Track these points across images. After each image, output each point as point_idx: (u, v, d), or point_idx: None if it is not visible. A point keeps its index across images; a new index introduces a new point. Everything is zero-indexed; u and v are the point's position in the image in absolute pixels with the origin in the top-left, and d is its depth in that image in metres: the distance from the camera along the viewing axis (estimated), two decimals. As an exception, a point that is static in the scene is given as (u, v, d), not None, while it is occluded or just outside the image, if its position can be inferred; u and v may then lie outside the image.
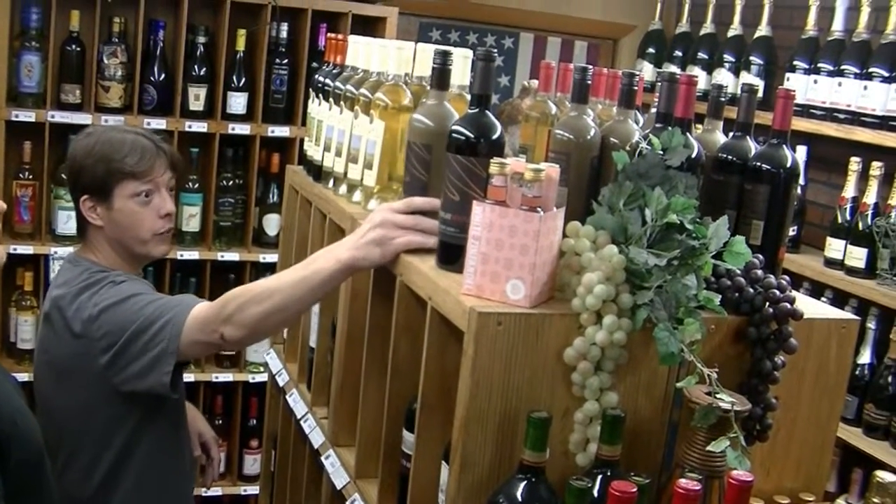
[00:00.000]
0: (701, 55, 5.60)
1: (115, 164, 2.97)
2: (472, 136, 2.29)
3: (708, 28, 5.64)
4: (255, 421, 5.43)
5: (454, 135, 2.30)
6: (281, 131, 5.12)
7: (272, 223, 5.23)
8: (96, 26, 4.84)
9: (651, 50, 6.01)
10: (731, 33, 5.40)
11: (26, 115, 4.73)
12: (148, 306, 2.81)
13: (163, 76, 5.03)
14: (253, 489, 5.33)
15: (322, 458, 2.99)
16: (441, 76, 2.51)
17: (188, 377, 4.97)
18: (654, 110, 2.52)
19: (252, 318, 2.62)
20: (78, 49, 4.90)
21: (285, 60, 5.13)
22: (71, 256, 3.11)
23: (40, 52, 4.78)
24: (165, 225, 3.06)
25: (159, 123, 4.87)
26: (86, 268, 2.99)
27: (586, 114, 2.45)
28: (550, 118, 2.67)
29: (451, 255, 2.32)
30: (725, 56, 5.37)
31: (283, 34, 5.14)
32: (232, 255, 5.17)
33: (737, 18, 5.38)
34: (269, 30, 5.06)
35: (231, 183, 5.18)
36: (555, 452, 2.11)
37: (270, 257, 5.07)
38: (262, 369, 5.12)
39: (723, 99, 2.69)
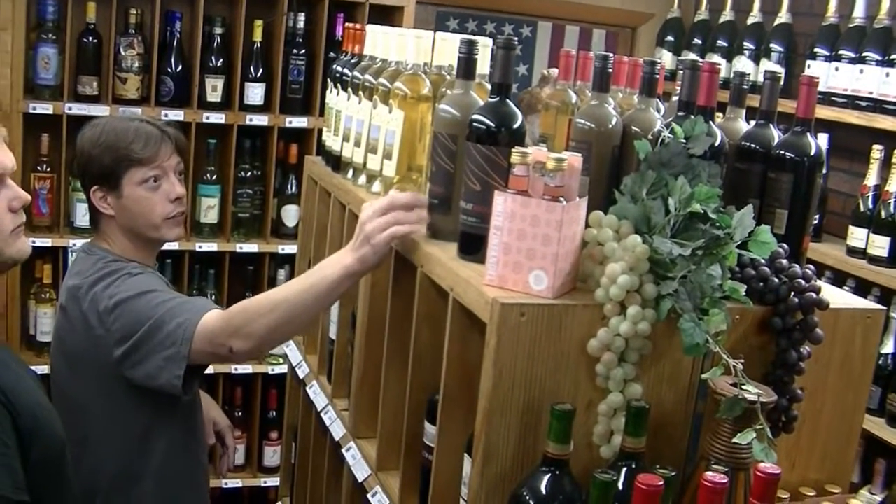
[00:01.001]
0: (720, 43, 5.55)
1: (121, 151, 2.99)
2: (492, 125, 2.27)
3: (727, 15, 5.60)
4: (274, 412, 5.42)
5: (474, 124, 2.29)
6: (299, 122, 5.11)
7: (291, 214, 5.21)
8: (113, 18, 4.83)
9: (670, 38, 5.97)
10: (750, 21, 5.35)
11: (44, 108, 4.72)
12: (161, 305, 2.80)
13: (180, 67, 5.02)
14: (273, 480, 5.33)
15: (343, 451, 2.98)
16: (467, 65, 2.48)
17: (208, 369, 4.97)
18: (675, 99, 2.49)
19: (260, 329, 2.65)
20: (95, 41, 4.89)
21: (302, 50, 5.12)
22: (85, 246, 3.12)
23: (57, 45, 4.78)
24: (177, 208, 3.06)
25: (177, 115, 4.87)
26: (100, 257, 2.99)
27: (608, 102, 2.43)
28: (570, 107, 2.64)
29: (472, 245, 2.31)
30: (745, 44, 5.32)
31: (300, 24, 5.12)
32: (250, 247, 5.15)
33: (756, 5, 5.34)
34: (285, 20, 5.05)
35: (249, 174, 5.17)
36: (579, 445, 2.09)
37: (289, 248, 5.05)
38: (281, 360, 5.11)
39: (745, 87, 2.67)
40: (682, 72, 2.43)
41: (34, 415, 2.32)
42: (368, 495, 2.75)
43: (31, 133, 4.79)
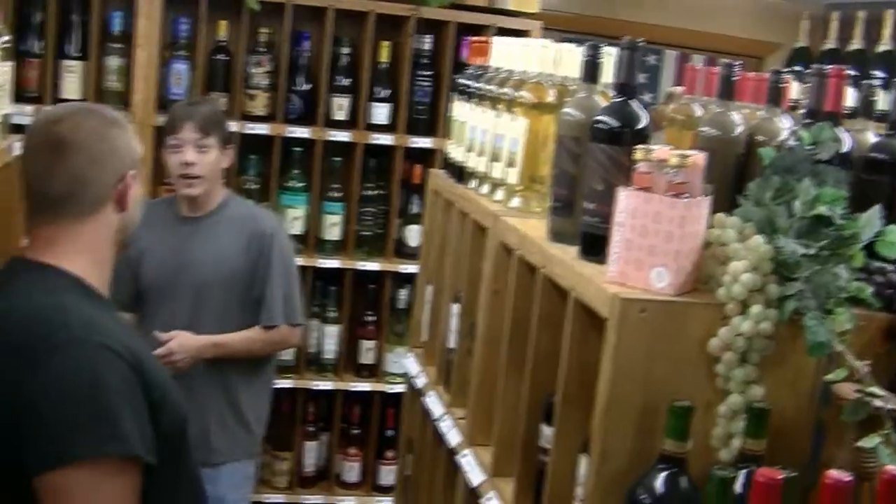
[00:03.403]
0: (849, 72, 5.45)
1: (167, 125, 4.10)
2: (616, 125, 2.27)
3: (856, 44, 5.50)
4: (391, 431, 5.41)
5: (597, 125, 2.29)
6: (423, 142, 5.13)
7: (413, 234, 5.22)
8: (243, 36, 4.92)
9: (797, 68, 5.89)
10: (881, 48, 5.26)
11: (175, 123, 4.82)
12: None
13: (307, 86, 5.09)
14: (387, 500, 5.32)
15: (458, 457, 2.98)
16: (591, 69, 2.50)
17: (326, 385, 5.18)
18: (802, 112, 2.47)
19: None
20: (225, 58, 4.98)
21: (428, 72, 5.15)
22: None
23: (189, 62, 4.89)
24: (182, 170, 3.97)
25: (303, 132, 4.95)
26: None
27: (732, 110, 2.41)
28: (695, 121, 2.63)
29: (594, 246, 2.30)
30: (875, 72, 5.23)
31: (427, 46, 5.16)
32: (372, 265, 5.18)
33: (887, 33, 5.24)
34: (412, 42, 5.09)
35: (373, 193, 5.21)
36: (697, 447, 2.06)
37: (411, 268, 5.05)
38: (399, 380, 5.12)
39: (874, 98, 2.63)
40: (810, 80, 2.41)
41: (164, 387, 2.37)
42: (482, 500, 2.74)
43: (161, 147, 4.88)
